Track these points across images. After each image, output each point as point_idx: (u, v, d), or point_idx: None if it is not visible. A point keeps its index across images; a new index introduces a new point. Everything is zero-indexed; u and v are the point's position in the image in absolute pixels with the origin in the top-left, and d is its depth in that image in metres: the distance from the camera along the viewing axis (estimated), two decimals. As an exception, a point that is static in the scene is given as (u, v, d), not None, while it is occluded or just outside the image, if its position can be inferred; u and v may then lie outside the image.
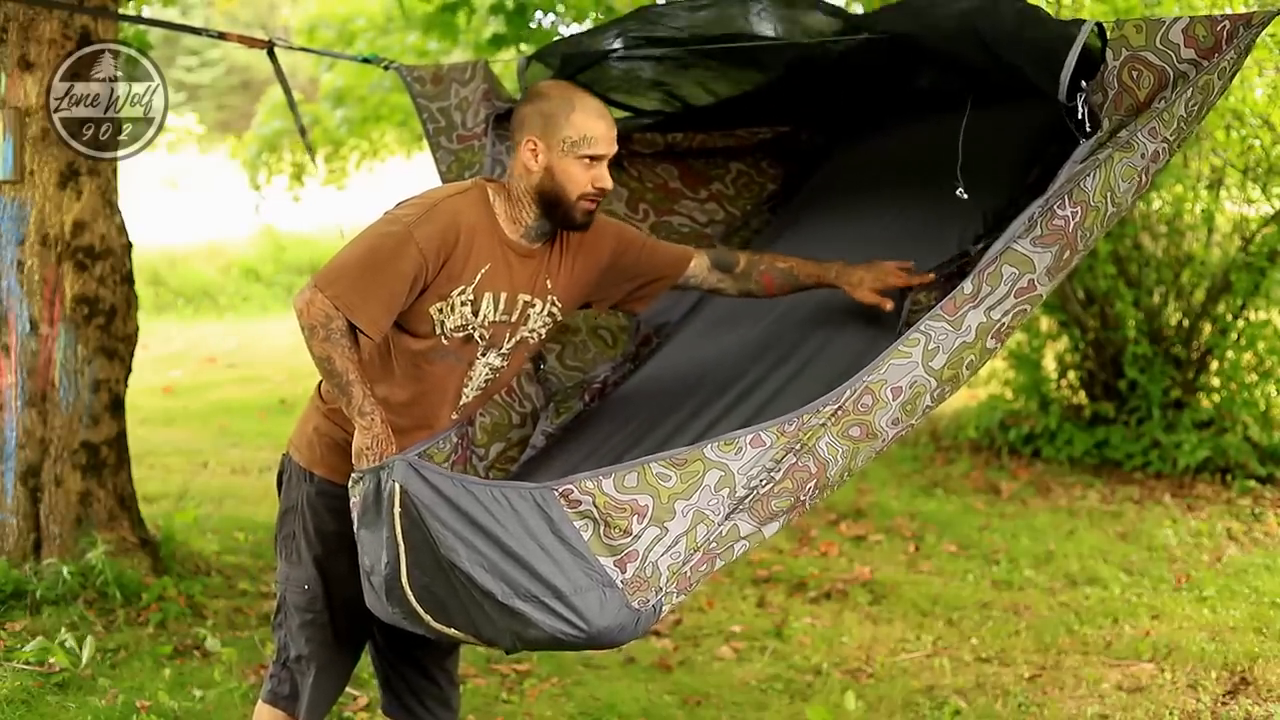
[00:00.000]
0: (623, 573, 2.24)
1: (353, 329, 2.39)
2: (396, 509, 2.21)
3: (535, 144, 2.47)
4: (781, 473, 2.34)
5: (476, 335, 2.51)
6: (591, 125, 2.46)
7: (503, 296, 2.51)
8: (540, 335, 2.61)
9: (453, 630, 2.30)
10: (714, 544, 2.34)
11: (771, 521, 2.39)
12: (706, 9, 2.90)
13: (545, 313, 2.59)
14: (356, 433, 2.40)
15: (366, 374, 2.48)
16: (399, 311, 2.43)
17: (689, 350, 3.02)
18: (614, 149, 2.50)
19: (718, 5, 2.87)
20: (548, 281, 2.57)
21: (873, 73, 2.87)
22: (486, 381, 2.59)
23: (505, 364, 2.60)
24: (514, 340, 2.57)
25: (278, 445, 7.38)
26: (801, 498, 2.37)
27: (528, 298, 2.55)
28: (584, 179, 2.46)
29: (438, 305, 2.45)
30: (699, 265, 2.77)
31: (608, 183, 2.49)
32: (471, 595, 2.22)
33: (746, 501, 2.33)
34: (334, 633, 2.63)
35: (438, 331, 2.48)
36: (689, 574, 2.33)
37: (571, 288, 2.62)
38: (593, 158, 2.47)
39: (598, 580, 2.22)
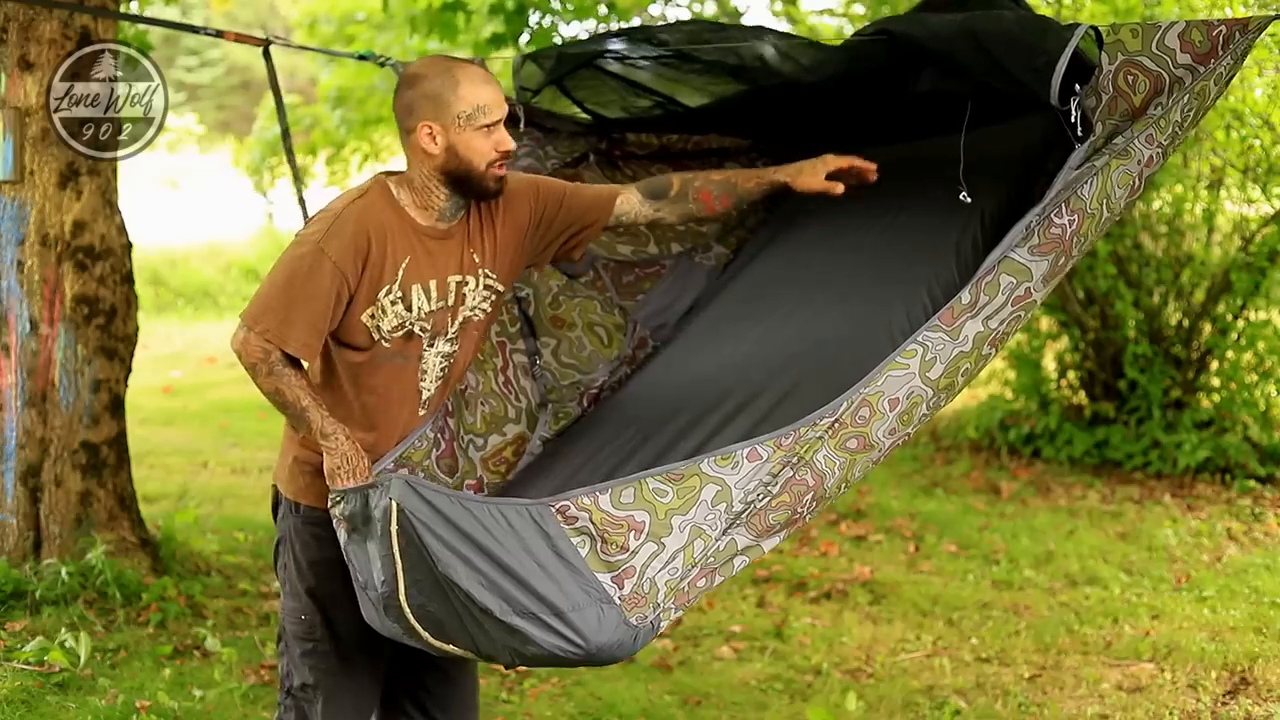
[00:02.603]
0: (620, 589, 2.24)
1: (292, 357, 2.40)
2: (394, 527, 2.20)
3: (431, 127, 2.42)
4: (779, 486, 2.33)
5: (417, 329, 2.48)
6: (481, 94, 2.41)
7: (432, 284, 2.48)
8: (485, 311, 2.58)
9: (452, 647, 2.30)
10: (712, 559, 2.33)
11: (770, 535, 2.38)
12: (712, 34, 2.92)
13: (481, 287, 2.55)
14: (325, 455, 2.39)
15: (321, 395, 2.47)
16: (329, 329, 2.42)
17: (686, 357, 3.01)
18: (505, 110, 2.45)
19: (722, 34, 2.89)
20: (474, 256, 2.54)
21: (871, 77, 2.87)
22: (444, 370, 2.57)
23: (457, 348, 2.57)
24: (458, 323, 2.54)
25: (277, 445, 7.35)
26: (800, 510, 2.37)
27: (459, 278, 2.52)
28: (487, 148, 2.42)
29: (369, 312, 2.44)
30: (628, 201, 2.67)
31: (510, 144, 2.45)
32: (470, 612, 2.21)
33: (744, 516, 2.33)
34: (339, 659, 2.60)
35: (376, 338, 2.46)
36: (687, 589, 2.32)
37: (501, 256, 2.58)
38: (490, 125, 2.42)
39: (595, 597, 2.22)
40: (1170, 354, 6.42)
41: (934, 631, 4.39)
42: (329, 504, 2.37)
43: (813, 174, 2.59)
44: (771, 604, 4.70)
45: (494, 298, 2.59)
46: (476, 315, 2.57)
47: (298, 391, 2.39)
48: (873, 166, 2.63)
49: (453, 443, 2.75)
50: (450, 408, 2.75)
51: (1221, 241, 6.55)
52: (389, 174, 2.53)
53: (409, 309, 2.46)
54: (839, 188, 2.58)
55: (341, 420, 2.45)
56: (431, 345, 2.52)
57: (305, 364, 2.47)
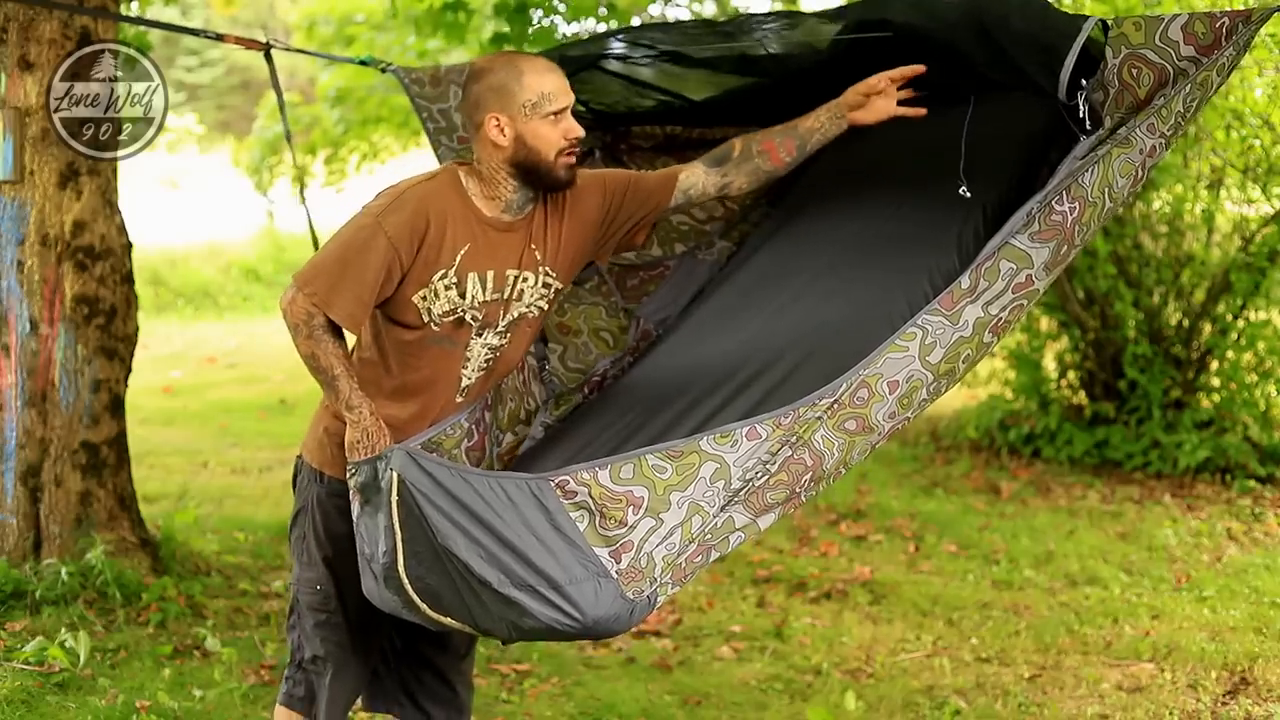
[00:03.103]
0: (618, 563, 2.26)
1: (335, 324, 2.41)
2: (394, 497, 2.22)
3: (498, 119, 2.44)
4: (777, 465, 2.35)
5: (468, 317, 2.50)
6: (545, 82, 2.44)
7: (489, 275, 2.50)
8: (541, 309, 2.59)
9: (449, 620, 2.31)
10: (709, 535, 2.35)
11: (766, 513, 2.40)
12: (709, 34, 2.93)
13: (539, 284, 2.57)
14: (347, 427, 2.42)
15: (366, 369, 2.50)
16: (376, 302, 2.44)
17: (688, 344, 3.02)
18: (572, 98, 2.48)
19: (720, 32, 2.90)
20: (536, 253, 2.55)
21: (874, 69, 2.87)
22: (487, 362, 2.58)
23: (506, 342, 2.58)
24: (509, 317, 2.56)
25: (278, 445, 7.38)
26: (797, 490, 2.38)
27: (516, 272, 2.53)
28: (555, 136, 2.45)
29: (420, 293, 2.45)
30: (692, 176, 2.67)
31: (579, 131, 2.47)
32: (468, 584, 2.23)
33: (742, 494, 2.34)
34: (349, 633, 2.63)
35: (426, 319, 2.48)
36: (684, 565, 2.34)
37: (564, 253, 2.59)
38: (556, 113, 2.44)
39: (593, 571, 2.24)
40: (1170, 354, 6.42)
41: (934, 631, 4.39)
42: (347, 475, 2.40)
43: (870, 106, 2.64)
44: (771, 604, 4.70)
45: (551, 295, 2.60)
46: (532, 312, 2.59)
47: (332, 359, 2.41)
48: (918, 69, 2.64)
49: (485, 435, 2.76)
50: (489, 401, 2.76)
51: (1221, 241, 6.55)
52: (460, 163, 2.55)
53: (462, 295, 2.48)
54: (914, 110, 2.63)
55: (380, 395, 2.48)
56: (480, 335, 2.54)
57: (349, 334, 2.48)
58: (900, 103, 2.66)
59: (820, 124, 2.68)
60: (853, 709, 3.72)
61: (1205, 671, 3.95)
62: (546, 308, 2.61)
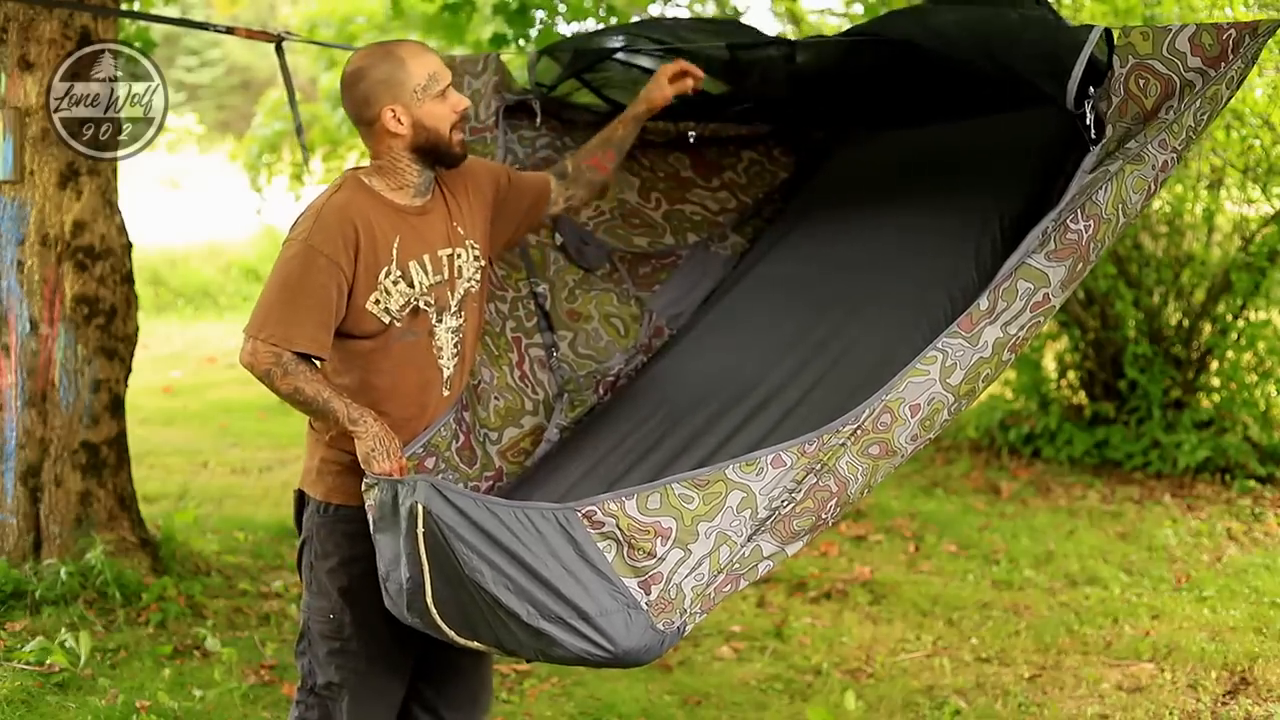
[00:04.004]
0: (647, 595, 2.25)
1: (303, 356, 2.42)
2: (420, 529, 2.20)
3: (394, 109, 2.51)
4: (803, 493, 2.34)
5: (421, 304, 2.54)
6: (428, 63, 2.54)
7: (426, 259, 2.55)
8: (478, 282, 2.66)
9: (475, 644, 2.30)
10: (737, 565, 2.34)
11: (794, 541, 2.39)
12: (713, 33, 2.97)
13: (471, 258, 2.64)
14: (357, 442, 2.41)
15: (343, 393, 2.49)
16: (336, 322, 2.46)
17: (705, 350, 3.02)
18: (450, 74, 2.59)
19: (722, 34, 2.95)
20: (459, 229, 2.63)
21: (881, 75, 2.87)
22: (456, 346, 2.61)
23: (463, 321, 2.62)
24: (458, 296, 2.60)
25: (278, 445, 7.38)
26: (823, 516, 2.39)
27: (449, 251, 2.59)
28: (447, 111, 2.54)
29: (373, 297, 2.48)
30: (554, 186, 2.87)
31: (466, 102, 2.59)
32: (497, 615, 2.22)
33: (769, 522, 2.34)
34: (367, 659, 2.61)
35: (387, 320, 2.50)
36: (712, 595, 2.33)
37: (478, 225, 2.69)
38: (443, 90, 2.54)
39: (623, 602, 2.23)
40: (1170, 354, 6.42)
41: (934, 631, 4.39)
42: (364, 488, 2.38)
43: (658, 88, 2.88)
44: (771, 604, 4.70)
45: (481, 268, 2.66)
46: (473, 286, 2.64)
47: (317, 385, 2.42)
48: (700, 74, 2.89)
49: (470, 435, 2.77)
50: (465, 401, 2.77)
51: (1221, 241, 6.55)
52: (355, 169, 2.61)
53: (411, 286, 2.52)
54: (687, 85, 2.88)
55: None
56: (440, 321, 2.57)
57: (319, 363, 2.49)
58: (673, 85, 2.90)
59: (628, 129, 2.92)
60: (853, 709, 3.72)
61: (1205, 671, 3.95)
62: (481, 279, 2.67)
